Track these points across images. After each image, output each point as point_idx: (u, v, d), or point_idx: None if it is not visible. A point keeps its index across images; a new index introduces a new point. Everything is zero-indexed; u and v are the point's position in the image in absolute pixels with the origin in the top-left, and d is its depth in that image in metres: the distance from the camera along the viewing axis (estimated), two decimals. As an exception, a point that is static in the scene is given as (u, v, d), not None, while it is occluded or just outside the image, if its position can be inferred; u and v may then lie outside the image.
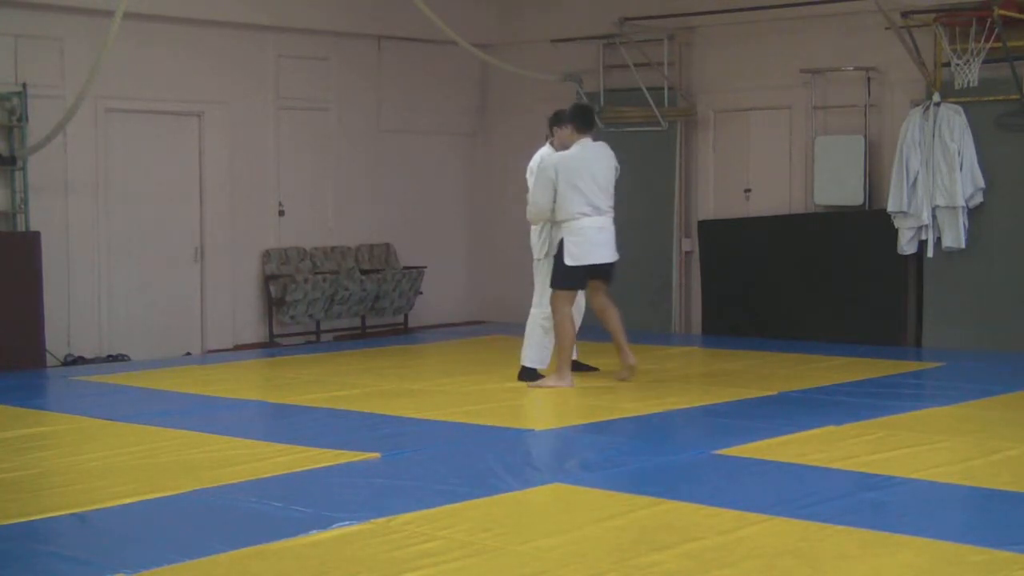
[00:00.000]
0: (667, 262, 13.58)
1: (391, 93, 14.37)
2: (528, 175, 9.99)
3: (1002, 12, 11.14)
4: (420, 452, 7.31)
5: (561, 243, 9.54)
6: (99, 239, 12.14)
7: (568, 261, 9.49)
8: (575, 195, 9.46)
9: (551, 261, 9.83)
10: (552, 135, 9.94)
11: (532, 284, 10.10)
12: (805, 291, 12.69)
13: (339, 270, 13.65)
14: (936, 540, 5.28)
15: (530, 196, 9.67)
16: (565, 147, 9.68)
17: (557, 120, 9.89)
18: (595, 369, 10.26)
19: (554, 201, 9.50)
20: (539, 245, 10.00)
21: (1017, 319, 11.65)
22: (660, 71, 13.52)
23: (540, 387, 9.64)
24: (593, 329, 10.86)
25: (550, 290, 9.82)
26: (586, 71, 13.96)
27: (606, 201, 9.60)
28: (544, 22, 14.43)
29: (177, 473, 6.75)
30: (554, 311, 9.67)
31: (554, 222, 9.67)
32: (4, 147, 11.45)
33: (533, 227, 10.02)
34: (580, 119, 9.70)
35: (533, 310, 10.01)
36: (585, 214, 9.50)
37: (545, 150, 9.98)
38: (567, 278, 9.60)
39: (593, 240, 9.54)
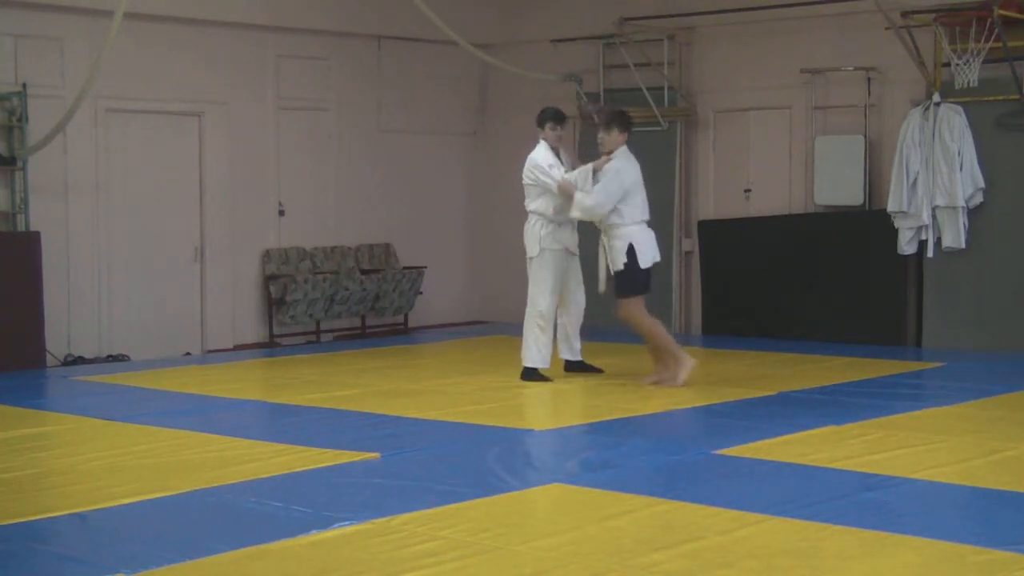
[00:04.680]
0: (667, 262, 13.52)
1: (391, 93, 14.37)
2: (527, 175, 10.01)
3: (1002, 12, 11.14)
4: (420, 452, 7.31)
5: (631, 250, 9.58)
6: (99, 239, 12.14)
7: (644, 263, 9.63)
8: (638, 201, 9.70)
9: (544, 258, 9.91)
10: (544, 132, 10.11)
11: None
12: (805, 291, 12.69)
13: (339, 270, 13.65)
14: (936, 540, 5.28)
15: (595, 195, 9.60)
16: (607, 152, 9.78)
17: (550, 119, 10.12)
18: (600, 370, 10.26)
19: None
20: (532, 243, 10.03)
21: (1017, 319, 11.64)
22: (660, 71, 13.52)
23: (677, 384, 9.56)
24: (595, 330, 10.88)
25: (541, 289, 9.89)
26: (586, 71, 13.96)
27: (645, 208, 9.83)
28: (544, 22, 14.43)
29: (177, 473, 6.76)
30: (637, 323, 9.69)
31: (605, 226, 9.71)
32: (4, 147, 11.45)
33: (527, 224, 10.06)
34: (628, 127, 9.90)
35: (528, 309, 10.03)
36: (643, 219, 9.74)
37: (542, 150, 10.03)
38: (641, 281, 9.70)
39: (651, 242, 9.77)
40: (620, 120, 9.89)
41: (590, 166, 9.84)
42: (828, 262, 12.55)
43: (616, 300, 9.74)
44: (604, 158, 9.77)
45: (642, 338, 9.91)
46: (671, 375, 9.65)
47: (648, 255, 9.68)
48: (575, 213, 9.77)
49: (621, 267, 9.62)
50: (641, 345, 10.15)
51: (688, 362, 9.64)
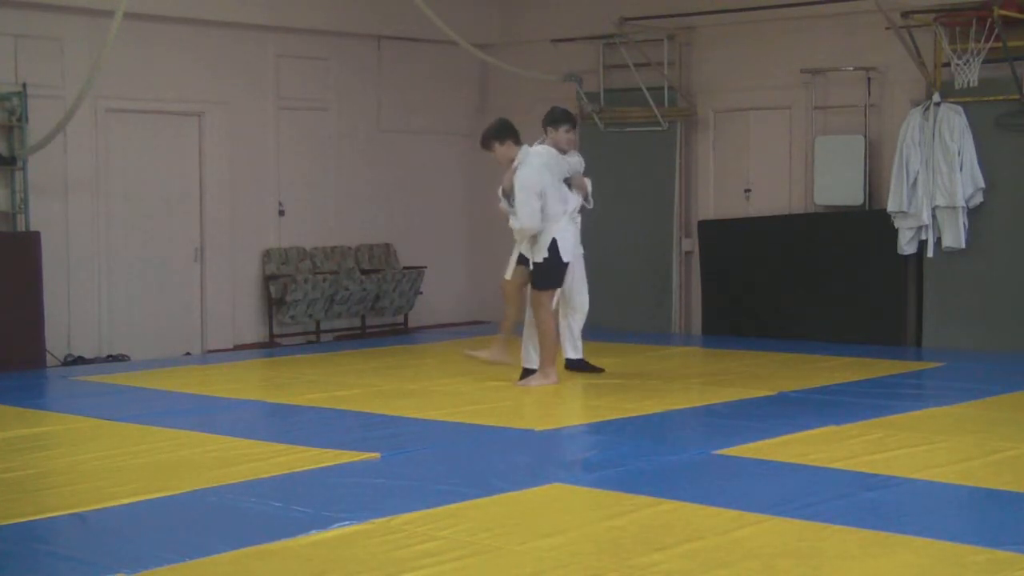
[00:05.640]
0: (667, 262, 13.58)
1: (391, 93, 14.38)
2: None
3: (1002, 12, 11.14)
4: (420, 452, 7.31)
5: (554, 243, 9.55)
6: (99, 239, 12.14)
7: (565, 257, 9.59)
8: (558, 196, 9.60)
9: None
10: (546, 135, 10.06)
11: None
12: (805, 291, 12.69)
13: (339, 270, 13.65)
14: (936, 540, 5.28)
15: (519, 217, 9.48)
16: (507, 164, 9.65)
17: (564, 120, 10.04)
18: (600, 370, 10.25)
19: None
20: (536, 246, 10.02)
21: (1017, 319, 11.64)
22: (660, 71, 13.52)
23: (527, 386, 9.67)
24: (596, 330, 10.89)
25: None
26: (586, 71, 13.96)
27: (566, 200, 9.75)
28: (544, 22, 14.43)
29: (177, 473, 6.76)
30: (537, 310, 9.73)
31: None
32: (4, 147, 11.45)
33: None
34: (515, 134, 9.64)
35: (528, 311, 10.01)
36: (564, 211, 9.67)
37: (541, 148, 9.97)
38: (558, 276, 9.67)
39: (572, 235, 9.73)
40: (497, 133, 9.64)
41: (503, 186, 9.69)
42: (828, 262, 12.55)
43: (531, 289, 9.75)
44: (509, 172, 9.62)
45: (501, 325, 9.86)
46: (502, 357, 9.70)
47: (569, 250, 9.65)
48: (517, 237, 9.70)
49: (541, 260, 9.60)
50: (641, 344, 10.14)
51: (551, 378, 9.68)
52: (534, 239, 9.62)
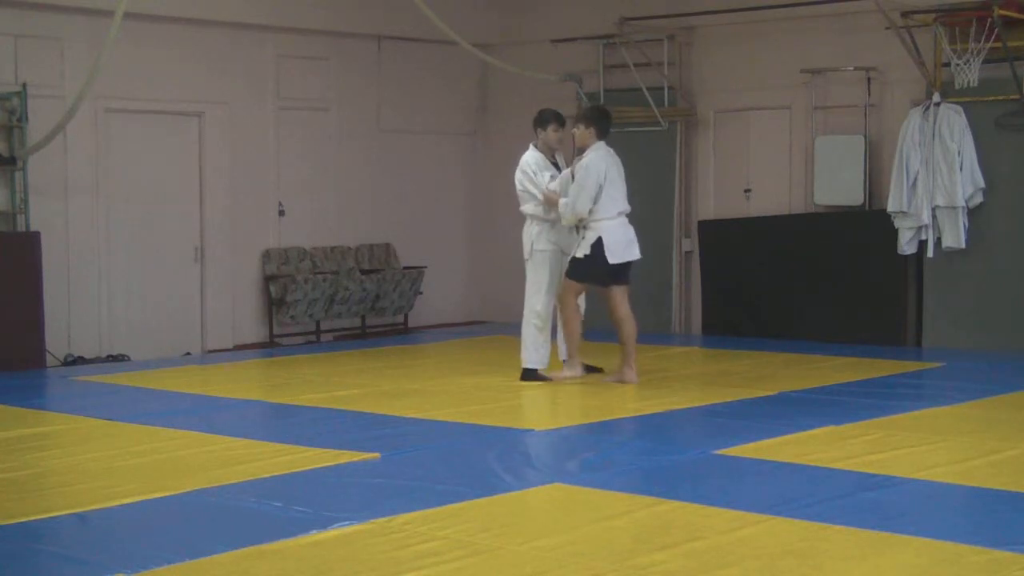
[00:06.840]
0: (667, 262, 13.58)
1: (391, 93, 14.37)
2: (517, 182, 10.05)
3: (1002, 12, 11.14)
4: (420, 452, 7.32)
5: (599, 242, 9.58)
6: (99, 239, 12.13)
7: (612, 259, 9.62)
8: (613, 196, 9.66)
9: (536, 259, 9.99)
10: (537, 137, 10.16)
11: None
12: (805, 291, 12.69)
13: (339, 270, 13.65)
14: (936, 540, 5.28)
15: (571, 198, 9.62)
16: (580, 149, 9.83)
17: (552, 120, 10.08)
18: (600, 370, 10.26)
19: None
20: (526, 244, 10.07)
21: (1017, 319, 11.65)
22: (660, 71, 13.52)
23: (558, 379, 9.75)
24: (596, 330, 10.88)
25: (536, 290, 9.91)
26: (586, 71, 13.96)
27: (626, 203, 9.83)
28: (544, 22, 14.43)
29: (177, 473, 6.76)
30: (563, 302, 9.79)
31: (584, 223, 9.69)
32: (4, 147, 11.45)
33: (524, 226, 10.08)
34: (603, 126, 9.86)
35: (525, 310, 10.04)
36: (620, 213, 9.72)
37: (531, 155, 10.06)
38: (598, 274, 9.69)
39: (627, 237, 9.78)
40: (586, 116, 9.90)
41: (568, 171, 9.88)
42: (828, 262, 12.55)
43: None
44: (577, 158, 9.80)
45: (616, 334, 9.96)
46: (629, 374, 9.80)
47: (618, 252, 9.66)
48: (564, 221, 9.80)
49: (581, 256, 9.66)
50: (641, 344, 10.13)
51: (575, 370, 9.85)
52: (583, 235, 9.68)
